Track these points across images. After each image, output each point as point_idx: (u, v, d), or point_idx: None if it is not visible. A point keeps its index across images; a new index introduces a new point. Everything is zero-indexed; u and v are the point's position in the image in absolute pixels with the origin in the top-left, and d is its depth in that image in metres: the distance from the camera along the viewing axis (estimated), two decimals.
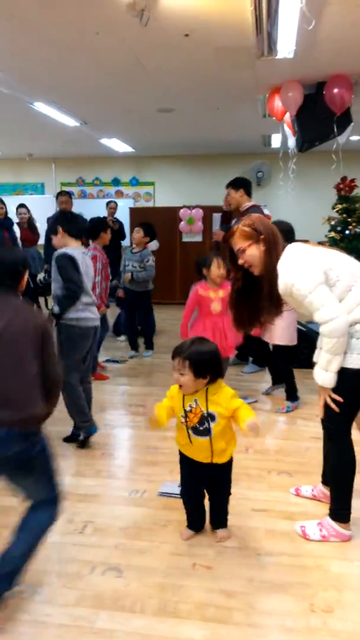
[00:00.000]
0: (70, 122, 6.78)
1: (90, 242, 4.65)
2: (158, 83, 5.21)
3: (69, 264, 3.17)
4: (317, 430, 3.52)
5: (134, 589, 2.03)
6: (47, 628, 1.83)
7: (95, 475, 2.92)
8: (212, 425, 2.16)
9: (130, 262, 5.44)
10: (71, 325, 3.19)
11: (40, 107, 6.01)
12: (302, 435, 3.50)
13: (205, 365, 2.11)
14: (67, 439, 3.36)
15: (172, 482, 2.77)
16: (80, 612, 1.90)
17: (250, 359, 5.14)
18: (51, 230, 3.37)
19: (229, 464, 2.32)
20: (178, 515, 2.50)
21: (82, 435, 3.30)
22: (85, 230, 3.49)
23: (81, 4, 3.37)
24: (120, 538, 2.35)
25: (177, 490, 2.70)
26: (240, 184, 4.88)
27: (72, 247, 3.28)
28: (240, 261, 2.32)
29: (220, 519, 2.39)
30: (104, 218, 7.48)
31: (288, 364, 4.06)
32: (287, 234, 3.79)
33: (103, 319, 4.48)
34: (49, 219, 6.82)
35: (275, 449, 3.32)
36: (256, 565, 2.17)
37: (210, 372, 2.13)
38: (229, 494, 2.38)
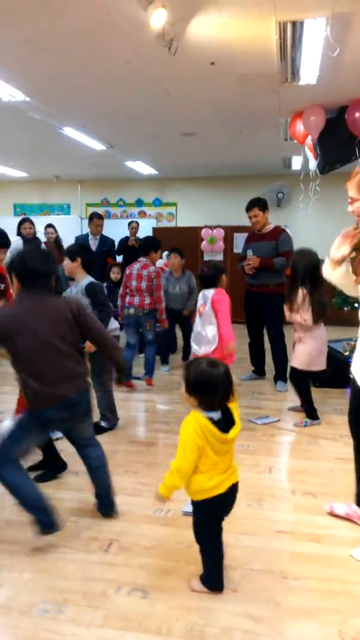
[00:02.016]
0: (97, 145, 6.96)
1: (142, 257, 5.05)
2: (183, 109, 5.34)
3: (102, 291, 3.73)
4: (341, 450, 3.52)
5: (160, 610, 2.02)
6: None
7: (119, 493, 2.92)
8: None
9: (178, 285, 5.80)
10: None
11: (69, 132, 6.19)
12: (326, 456, 3.47)
13: (191, 386, 1.99)
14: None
15: None
16: (107, 633, 1.91)
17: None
18: (70, 255, 3.67)
19: (195, 507, 2.09)
20: None
21: (107, 425, 3.89)
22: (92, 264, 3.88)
23: (112, 34, 3.50)
24: (145, 557, 2.35)
25: None
26: (266, 205, 4.97)
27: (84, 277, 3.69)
28: (350, 208, 2.30)
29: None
30: (126, 238, 7.63)
31: (302, 386, 4.06)
32: (314, 269, 3.75)
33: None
34: (77, 239, 6.99)
35: (299, 469, 3.30)
36: (283, 589, 2.15)
37: (195, 395, 1.99)
38: (200, 545, 2.14)
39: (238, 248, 8.86)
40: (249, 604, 2.06)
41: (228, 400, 2.01)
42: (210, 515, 2.09)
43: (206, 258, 9.02)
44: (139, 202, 10.70)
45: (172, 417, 4.28)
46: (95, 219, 6.60)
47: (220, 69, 4.14)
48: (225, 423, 1.99)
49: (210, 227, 9.01)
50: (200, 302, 4.09)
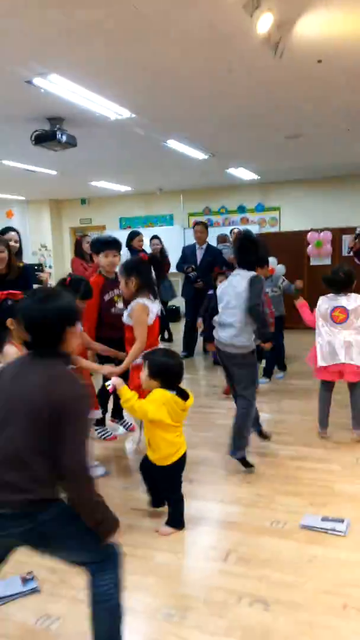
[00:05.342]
0: (199, 155, 7.07)
1: None
2: (287, 111, 5.24)
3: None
4: None
5: (283, 624, 1.97)
6: None
7: (236, 503, 2.91)
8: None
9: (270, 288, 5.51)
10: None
11: (172, 144, 6.35)
12: None
13: (154, 372, 2.58)
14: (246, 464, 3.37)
15: (315, 514, 2.69)
16: None
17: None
18: (261, 262, 3.53)
19: (167, 470, 2.62)
20: (324, 550, 2.42)
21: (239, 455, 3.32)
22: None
23: (215, 46, 3.54)
24: (264, 569, 2.31)
25: (320, 523, 2.62)
26: None
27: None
28: None
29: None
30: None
31: None
32: None
33: None
34: (184, 249, 7.10)
35: None
36: None
37: (157, 379, 2.58)
38: (171, 496, 2.70)
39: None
40: None
41: (179, 383, 2.62)
42: (178, 472, 2.65)
43: (312, 263, 8.74)
44: (241, 209, 10.68)
45: (284, 426, 4.17)
46: (196, 226, 6.66)
47: (328, 66, 4.00)
48: (181, 397, 2.57)
49: (317, 230, 8.72)
50: (328, 306, 3.82)
